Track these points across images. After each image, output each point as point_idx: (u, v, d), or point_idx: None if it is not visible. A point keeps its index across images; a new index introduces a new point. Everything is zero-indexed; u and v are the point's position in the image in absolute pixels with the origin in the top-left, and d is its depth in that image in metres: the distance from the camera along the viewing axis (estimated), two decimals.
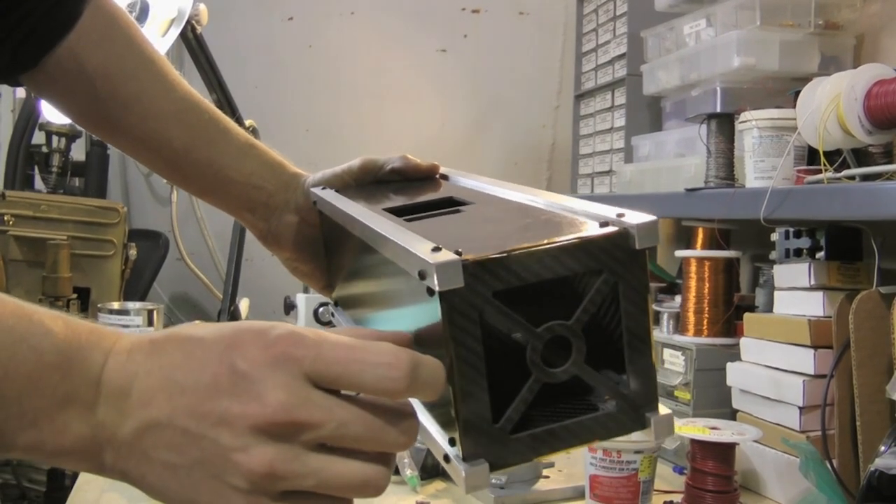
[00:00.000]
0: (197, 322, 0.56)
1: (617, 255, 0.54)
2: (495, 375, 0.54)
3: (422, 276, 0.52)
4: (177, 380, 0.51)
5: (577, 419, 0.56)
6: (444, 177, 0.92)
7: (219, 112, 0.96)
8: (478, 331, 0.52)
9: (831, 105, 1.11)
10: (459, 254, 0.52)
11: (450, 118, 2.87)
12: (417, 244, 0.55)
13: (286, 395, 0.50)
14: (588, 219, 0.57)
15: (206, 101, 0.96)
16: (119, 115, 0.92)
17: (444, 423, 0.56)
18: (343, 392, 0.52)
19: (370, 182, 0.93)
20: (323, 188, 0.92)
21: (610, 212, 0.56)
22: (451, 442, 0.55)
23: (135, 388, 0.51)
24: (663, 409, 0.58)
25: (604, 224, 0.55)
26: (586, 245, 0.54)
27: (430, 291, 0.52)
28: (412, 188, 0.88)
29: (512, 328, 0.53)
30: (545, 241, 0.53)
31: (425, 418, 0.59)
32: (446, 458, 0.55)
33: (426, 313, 0.54)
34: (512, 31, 2.86)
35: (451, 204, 0.74)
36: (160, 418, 0.51)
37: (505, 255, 0.52)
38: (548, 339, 0.54)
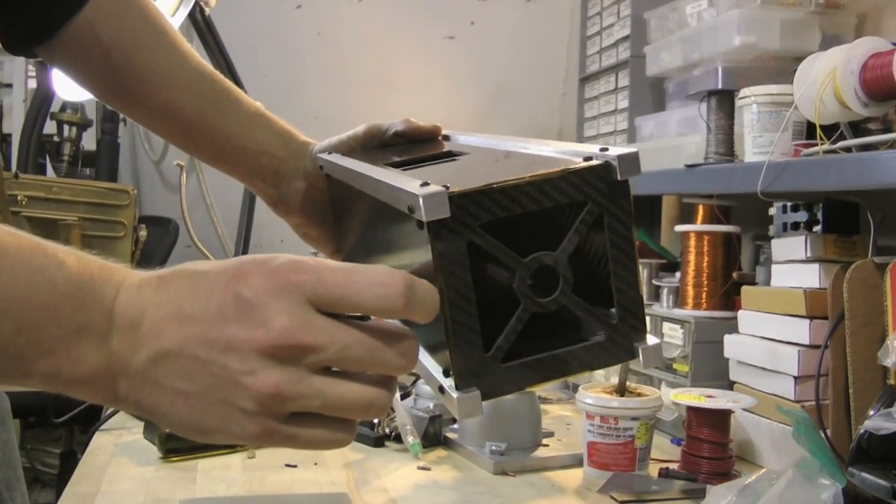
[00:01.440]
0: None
1: (600, 187, 0.56)
2: (489, 312, 0.56)
3: (411, 210, 0.54)
4: (185, 310, 0.53)
5: (567, 349, 0.58)
6: (447, 137, 0.94)
7: (229, 83, 0.99)
8: (466, 261, 0.54)
9: (828, 78, 1.12)
10: (447, 188, 0.54)
11: (457, 105, 2.89)
12: (408, 182, 0.57)
13: (290, 320, 0.51)
14: (573, 156, 0.59)
15: (217, 72, 0.99)
16: (133, 86, 0.95)
17: (441, 358, 0.58)
18: (347, 317, 0.54)
19: (375, 146, 0.96)
20: (329, 153, 0.94)
21: (594, 148, 0.58)
22: (446, 373, 0.57)
23: (145, 319, 0.53)
24: (651, 339, 0.60)
25: (587, 159, 0.57)
26: (569, 176, 0.56)
27: (420, 224, 0.54)
28: (415, 149, 0.90)
29: (500, 258, 0.55)
30: (529, 175, 0.55)
31: (423, 356, 0.61)
32: (441, 389, 0.57)
33: (420, 252, 0.57)
34: (519, 19, 2.88)
35: (448, 156, 0.76)
36: (171, 348, 0.52)
37: (490, 187, 0.54)
38: (535, 268, 0.56)
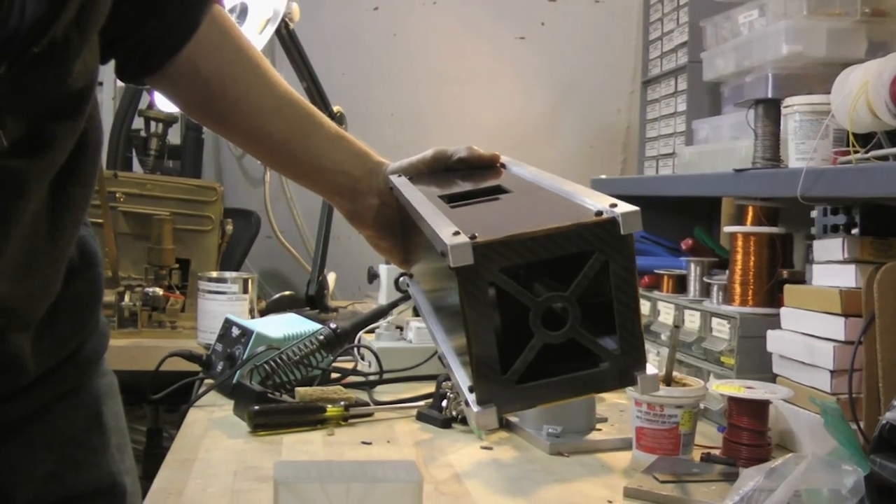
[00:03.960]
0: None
1: (606, 239, 0.66)
2: (510, 338, 0.67)
3: (443, 254, 0.66)
4: None
5: (574, 374, 0.69)
6: (504, 165, 1.05)
7: (313, 108, 1.11)
8: (487, 299, 0.66)
9: (861, 90, 1.20)
10: (474, 237, 0.65)
11: (528, 103, 2.99)
12: (444, 228, 0.68)
13: None
14: (592, 206, 0.69)
15: (302, 98, 1.11)
16: (228, 112, 1.07)
17: (467, 374, 0.70)
18: None
19: (441, 169, 1.07)
20: (399, 176, 1.06)
21: (605, 202, 0.68)
22: (470, 389, 0.68)
23: None
24: (650, 369, 0.70)
25: (598, 213, 0.67)
26: (580, 230, 0.66)
27: (449, 267, 0.65)
28: (475, 175, 1.01)
29: (517, 297, 0.66)
30: (545, 228, 0.66)
31: (457, 368, 0.72)
32: (466, 402, 0.69)
33: (454, 283, 0.68)
34: (588, 19, 2.96)
35: (496, 192, 0.87)
36: None
37: (510, 238, 0.65)
38: (547, 306, 0.66)
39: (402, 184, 1.00)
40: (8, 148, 0.75)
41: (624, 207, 0.67)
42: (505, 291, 0.66)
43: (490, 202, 0.83)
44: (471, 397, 0.68)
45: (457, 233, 0.66)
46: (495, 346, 0.66)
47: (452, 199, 0.86)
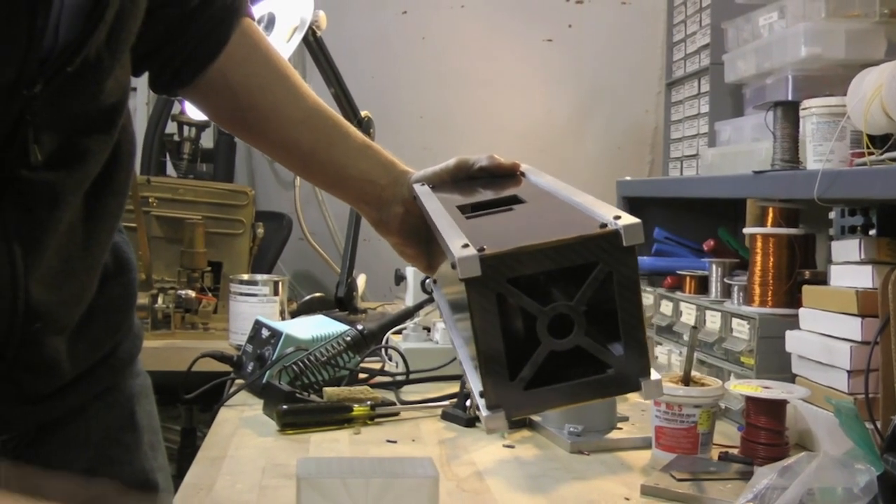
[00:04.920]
0: None
1: (609, 250, 0.69)
2: (520, 343, 0.70)
3: (453, 266, 0.69)
4: None
5: (580, 381, 0.72)
6: (523, 173, 1.07)
7: (340, 118, 1.14)
8: (495, 309, 0.68)
9: (875, 93, 1.21)
10: (482, 250, 0.67)
11: (556, 105, 3.00)
12: (455, 240, 0.71)
13: None
14: (599, 218, 0.71)
15: (329, 108, 1.13)
16: (257, 122, 1.10)
17: (479, 379, 0.73)
18: None
19: (463, 178, 1.10)
20: (422, 184, 1.09)
21: (610, 214, 0.70)
22: (481, 394, 0.71)
23: None
24: (654, 375, 0.72)
25: (603, 225, 0.69)
26: (584, 242, 0.69)
27: (459, 278, 0.68)
28: (496, 184, 1.04)
29: (524, 307, 0.69)
30: (552, 239, 0.69)
31: (471, 374, 0.75)
32: (476, 406, 0.72)
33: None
34: (614, 20, 2.97)
35: (512, 202, 0.89)
36: None
37: (517, 250, 0.68)
38: (553, 315, 0.69)
39: (423, 193, 1.03)
40: (42, 162, 0.79)
41: (627, 220, 0.69)
42: (506, 303, 0.69)
43: (504, 212, 0.86)
44: (481, 402, 0.71)
45: (466, 245, 0.68)
46: (503, 354, 0.69)
47: (469, 210, 0.89)
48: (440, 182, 1.10)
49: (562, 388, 0.71)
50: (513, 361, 0.70)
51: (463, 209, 0.89)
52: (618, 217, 0.70)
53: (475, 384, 0.73)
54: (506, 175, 1.09)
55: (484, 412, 0.70)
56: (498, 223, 0.83)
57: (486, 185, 1.05)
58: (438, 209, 0.90)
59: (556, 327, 0.69)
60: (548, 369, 0.70)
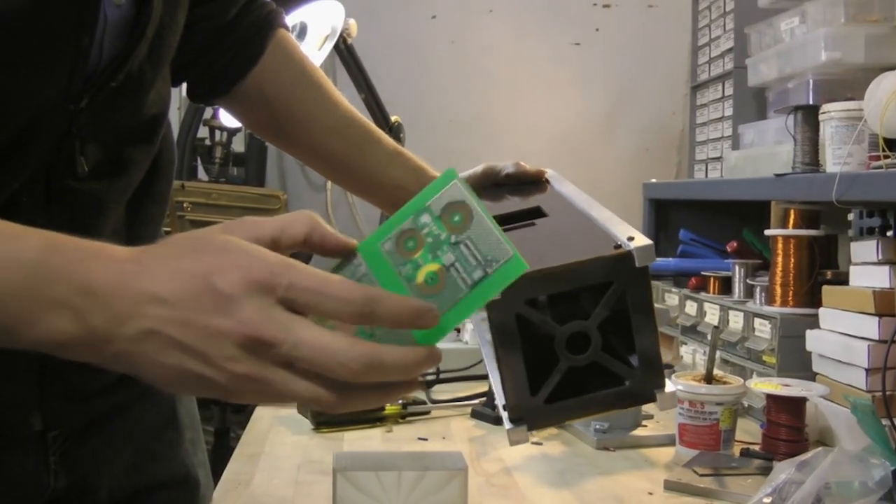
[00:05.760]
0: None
1: (623, 271, 0.71)
2: (538, 359, 0.73)
3: None
4: (161, 295, 0.60)
5: (598, 393, 0.75)
6: (548, 181, 1.11)
7: (372, 125, 1.17)
8: (514, 328, 0.71)
9: (891, 97, 1.24)
10: None
11: (584, 108, 3.03)
12: None
13: (257, 315, 0.59)
14: (613, 238, 0.74)
15: (362, 116, 1.17)
16: (291, 131, 1.14)
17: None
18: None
19: (490, 185, 1.14)
20: None
21: (625, 233, 0.73)
22: (504, 408, 0.74)
23: (125, 297, 0.60)
24: (669, 387, 0.75)
25: (617, 246, 0.72)
26: (598, 263, 0.72)
27: None
28: (521, 191, 1.08)
29: (541, 326, 0.72)
30: (567, 262, 0.71)
31: (497, 389, 0.79)
32: (500, 419, 0.75)
33: None
34: (641, 24, 2.98)
35: (534, 215, 0.92)
36: (152, 327, 0.60)
37: (533, 273, 0.69)
38: (570, 333, 0.72)
39: None
40: (88, 172, 0.82)
41: (639, 241, 0.71)
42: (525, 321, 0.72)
43: (525, 227, 0.89)
44: (504, 415, 0.74)
45: None
46: (524, 370, 0.72)
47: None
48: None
49: (581, 401, 0.74)
50: (534, 376, 0.73)
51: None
52: (631, 238, 0.72)
53: (500, 397, 0.76)
54: (531, 182, 1.12)
55: (507, 425, 0.73)
56: (520, 242, 0.85)
57: (512, 192, 1.09)
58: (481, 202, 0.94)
59: (574, 342, 0.72)
60: (568, 381, 0.73)
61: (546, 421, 0.75)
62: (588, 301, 0.74)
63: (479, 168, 1.14)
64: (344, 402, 0.62)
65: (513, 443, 0.73)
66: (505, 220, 0.93)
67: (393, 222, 0.66)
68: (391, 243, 0.65)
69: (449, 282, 0.63)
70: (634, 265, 0.71)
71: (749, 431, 1.44)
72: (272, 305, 0.59)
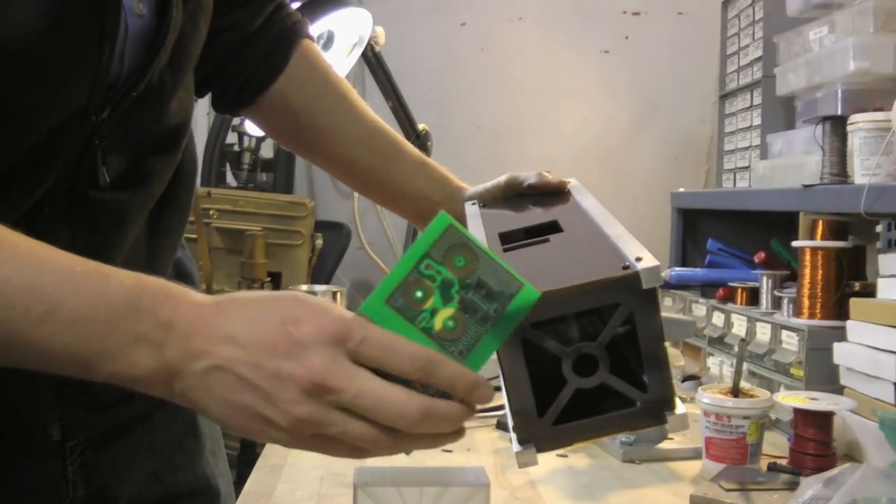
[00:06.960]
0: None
1: (630, 292, 0.70)
2: (547, 380, 0.72)
3: None
4: (235, 336, 0.64)
5: (607, 415, 0.74)
6: (569, 191, 1.10)
7: (397, 136, 1.18)
8: (521, 352, 0.71)
9: None
10: None
11: (613, 115, 3.02)
12: None
13: (325, 363, 0.63)
14: (622, 258, 0.73)
15: (387, 126, 1.17)
16: (316, 141, 1.14)
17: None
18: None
19: (514, 195, 1.14)
20: (473, 203, 1.12)
21: (634, 253, 0.72)
22: (513, 429, 0.74)
23: (199, 335, 0.64)
24: (680, 408, 0.74)
25: (625, 267, 0.71)
26: (605, 285, 0.70)
27: None
28: (543, 201, 1.07)
29: (549, 349, 0.71)
30: (574, 284, 0.70)
31: (508, 409, 0.78)
32: (511, 440, 0.75)
33: None
34: (671, 31, 2.98)
35: (552, 229, 0.91)
36: (221, 364, 0.64)
37: (542, 294, 0.68)
38: (577, 356, 0.71)
39: (471, 215, 1.06)
40: (110, 183, 0.82)
41: (647, 262, 0.70)
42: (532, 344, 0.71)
43: (541, 244, 0.88)
44: (513, 436, 0.74)
45: None
46: (531, 393, 0.72)
47: (510, 239, 0.91)
48: (491, 199, 1.13)
49: (590, 423, 0.73)
50: (541, 398, 0.72)
51: (504, 237, 0.92)
52: (639, 258, 0.71)
53: (509, 418, 0.75)
54: (553, 192, 1.12)
55: (515, 447, 0.73)
56: (531, 261, 0.84)
57: (535, 202, 1.08)
58: (480, 240, 0.94)
59: (581, 364, 0.71)
60: (576, 403, 0.72)
61: (554, 443, 0.74)
62: (594, 321, 0.73)
63: (502, 179, 1.14)
64: (398, 446, 0.67)
65: (521, 465, 0.73)
66: (521, 235, 0.92)
67: (393, 277, 0.68)
68: (400, 297, 0.67)
69: (468, 323, 0.66)
70: (641, 286, 0.70)
71: (776, 444, 1.42)
72: (341, 356, 0.64)
